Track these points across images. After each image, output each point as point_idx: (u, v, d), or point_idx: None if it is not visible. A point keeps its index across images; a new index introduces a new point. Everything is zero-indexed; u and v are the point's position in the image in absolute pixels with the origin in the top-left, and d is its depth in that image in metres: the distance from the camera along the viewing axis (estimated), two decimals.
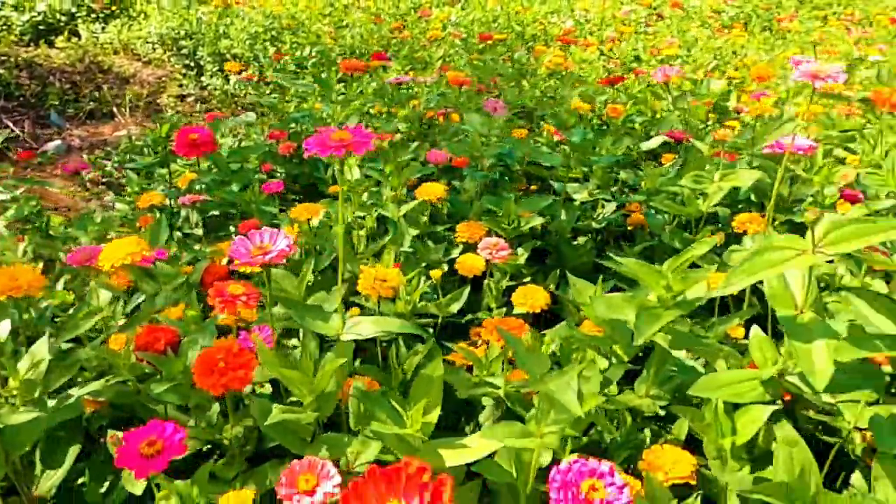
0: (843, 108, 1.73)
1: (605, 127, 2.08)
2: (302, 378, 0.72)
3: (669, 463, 0.78)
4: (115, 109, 3.36)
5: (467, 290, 1.14)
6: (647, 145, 1.88)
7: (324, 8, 3.84)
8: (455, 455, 0.70)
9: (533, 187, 1.80)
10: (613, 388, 1.01)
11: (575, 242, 1.57)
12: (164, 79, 3.99)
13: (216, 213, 1.60)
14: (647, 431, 0.94)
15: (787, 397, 0.92)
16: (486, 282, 1.29)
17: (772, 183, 1.41)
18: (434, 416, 0.72)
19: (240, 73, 2.54)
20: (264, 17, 3.50)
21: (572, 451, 0.87)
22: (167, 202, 1.52)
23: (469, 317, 1.23)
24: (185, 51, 3.87)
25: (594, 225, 1.57)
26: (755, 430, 0.72)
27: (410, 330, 0.77)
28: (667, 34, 3.52)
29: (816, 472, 0.69)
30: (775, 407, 0.74)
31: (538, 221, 1.32)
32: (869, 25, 4.34)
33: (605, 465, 0.59)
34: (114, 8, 4.69)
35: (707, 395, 0.77)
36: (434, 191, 1.33)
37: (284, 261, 0.73)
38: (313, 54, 3.18)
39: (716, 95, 1.90)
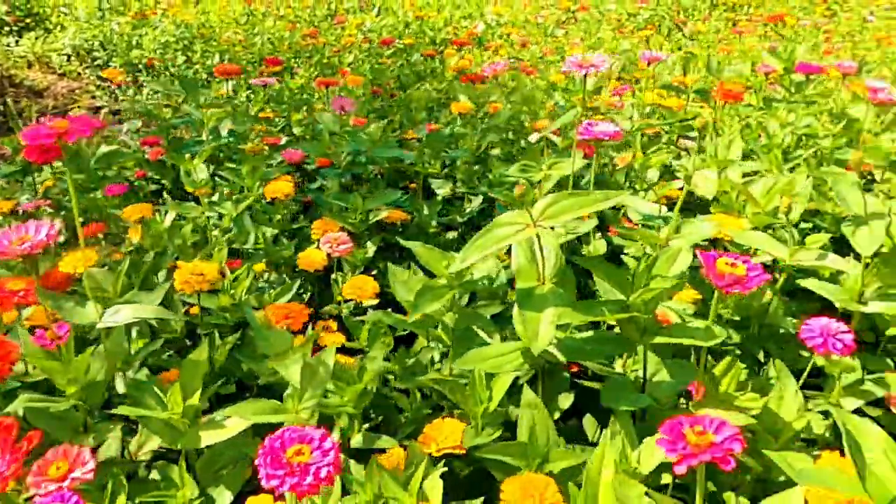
0: (700, 101, 1.82)
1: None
2: (61, 368, 0.73)
3: (444, 435, 0.82)
4: (19, 123, 3.29)
5: (297, 284, 1.17)
6: (530, 139, 1.95)
7: (239, 17, 3.84)
8: (211, 435, 0.73)
9: (412, 185, 1.85)
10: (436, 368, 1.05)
11: (442, 237, 1.61)
12: (77, 91, 3.92)
13: (81, 220, 1.59)
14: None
15: (575, 368, 0.97)
16: (332, 276, 1.32)
17: (609, 171, 1.48)
18: (195, 399, 0.74)
19: (107, 80, 2.52)
20: (175, 27, 3.48)
21: (367, 430, 0.91)
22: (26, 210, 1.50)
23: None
24: (98, 62, 3.82)
25: (458, 219, 1.62)
26: (501, 395, 0.77)
27: (166, 315, 0.80)
28: (576, 36, 3.62)
29: (553, 431, 0.74)
30: (519, 373, 0.78)
31: (384, 214, 1.36)
32: (774, 26, 4.55)
33: (317, 433, 0.62)
34: (28, 21, 4.59)
35: (472, 367, 0.81)
36: (281, 188, 1.35)
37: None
38: (224, 62, 3.19)
39: (588, 92, 1.97)
